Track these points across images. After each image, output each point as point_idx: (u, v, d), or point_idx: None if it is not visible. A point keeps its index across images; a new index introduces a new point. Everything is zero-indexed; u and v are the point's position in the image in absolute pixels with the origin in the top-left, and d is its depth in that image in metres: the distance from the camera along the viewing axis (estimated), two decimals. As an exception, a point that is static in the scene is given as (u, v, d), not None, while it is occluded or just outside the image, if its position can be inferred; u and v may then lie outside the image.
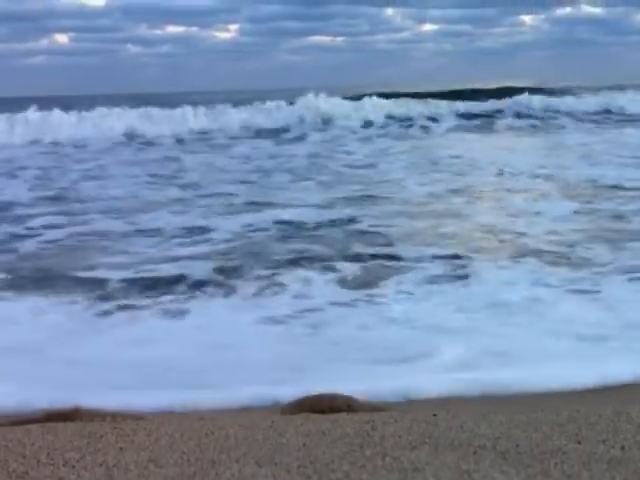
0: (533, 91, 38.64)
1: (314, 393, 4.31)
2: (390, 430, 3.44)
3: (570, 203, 12.27)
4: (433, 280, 8.00)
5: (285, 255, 9.37)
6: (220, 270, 8.66)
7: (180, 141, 27.16)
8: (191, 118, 29.94)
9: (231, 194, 14.80)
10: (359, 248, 9.67)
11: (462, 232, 10.53)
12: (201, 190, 15.44)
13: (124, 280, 8.29)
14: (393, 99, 34.94)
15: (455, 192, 14.15)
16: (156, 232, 11.04)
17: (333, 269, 8.57)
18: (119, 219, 12.15)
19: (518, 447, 3.16)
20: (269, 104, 32.60)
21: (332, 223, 11.34)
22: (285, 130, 29.43)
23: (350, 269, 8.59)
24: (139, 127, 27.89)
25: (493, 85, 43.39)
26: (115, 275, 8.49)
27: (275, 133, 28.75)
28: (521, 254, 9.08)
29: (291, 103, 33.00)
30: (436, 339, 6.13)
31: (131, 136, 27.45)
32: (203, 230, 11.15)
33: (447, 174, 16.64)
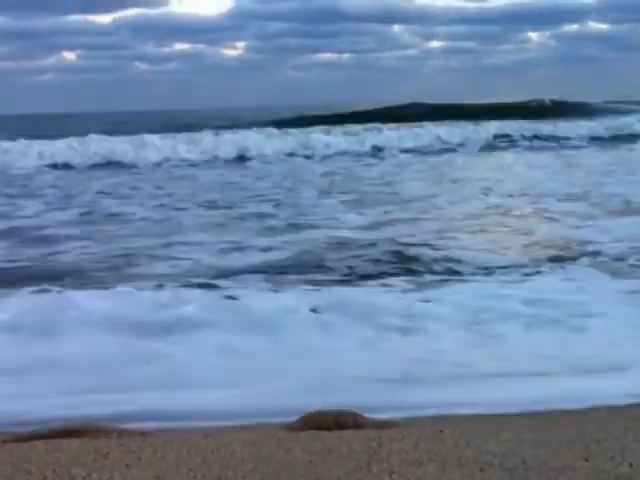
0: (543, 108, 38.52)
1: (319, 409, 4.30)
2: (397, 447, 3.42)
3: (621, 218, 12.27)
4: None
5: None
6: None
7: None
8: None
9: (269, 214, 14.01)
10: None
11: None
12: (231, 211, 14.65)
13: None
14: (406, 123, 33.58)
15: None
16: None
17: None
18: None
19: (525, 464, 3.15)
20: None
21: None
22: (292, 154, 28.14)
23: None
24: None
25: (499, 100, 43.18)
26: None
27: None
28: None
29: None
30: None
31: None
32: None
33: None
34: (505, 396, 5.27)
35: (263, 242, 11.12)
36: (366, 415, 4.25)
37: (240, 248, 10.75)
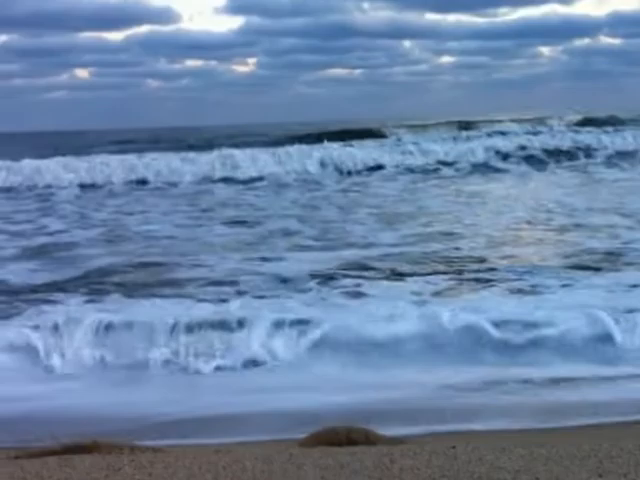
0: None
1: (331, 425, 4.29)
2: (409, 463, 3.40)
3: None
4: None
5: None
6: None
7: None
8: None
9: (297, 232, 13.79)
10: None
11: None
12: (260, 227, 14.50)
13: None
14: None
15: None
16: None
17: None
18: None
19: (538, 481, 3.13)
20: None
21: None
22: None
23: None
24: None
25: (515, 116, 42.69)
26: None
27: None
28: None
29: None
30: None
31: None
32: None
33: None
34: None
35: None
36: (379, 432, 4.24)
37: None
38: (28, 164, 25.86)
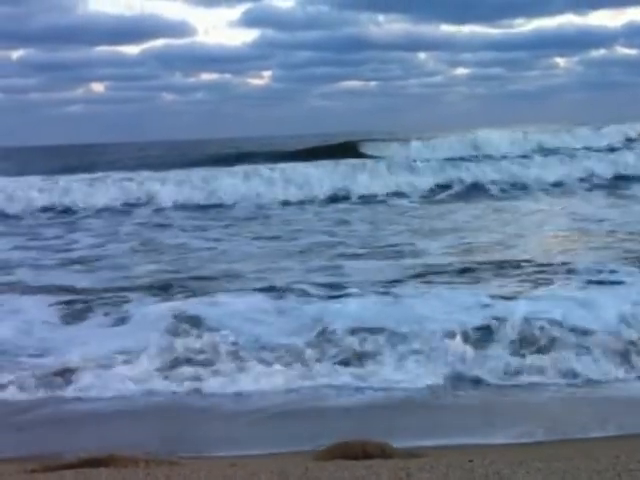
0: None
1: (346, 438, 4.27)
2: (426, 477, 3.38)
3: None
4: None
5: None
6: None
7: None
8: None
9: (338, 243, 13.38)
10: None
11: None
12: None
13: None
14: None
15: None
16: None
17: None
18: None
19: (556, 495, 3.10)
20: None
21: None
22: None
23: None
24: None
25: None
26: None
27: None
28: None
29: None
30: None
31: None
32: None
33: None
34: None
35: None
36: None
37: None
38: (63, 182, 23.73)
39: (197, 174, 24.97)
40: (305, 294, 8.77)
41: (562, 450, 4.54)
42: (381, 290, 8.83)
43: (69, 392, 6.32)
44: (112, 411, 5.91)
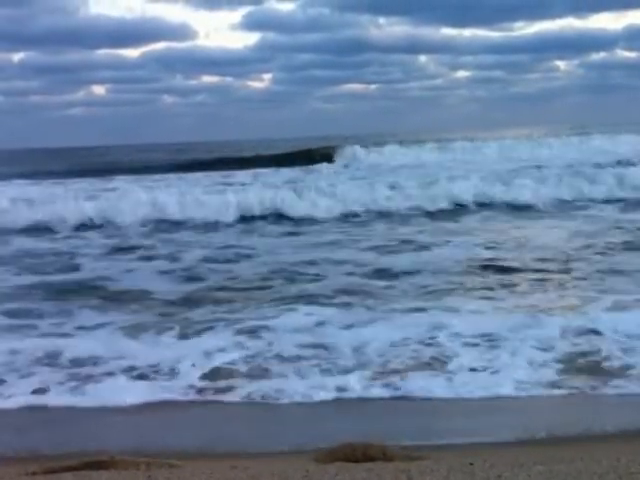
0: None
1: (348, 440, 4.26)
2: None
3: None
4: None
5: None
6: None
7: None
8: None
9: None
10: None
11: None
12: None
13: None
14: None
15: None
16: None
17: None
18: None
19: (557, 497, 3.09)
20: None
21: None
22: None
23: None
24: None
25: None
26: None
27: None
28: None
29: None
30: None
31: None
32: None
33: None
34: None
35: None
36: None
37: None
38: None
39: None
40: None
41: (563, 453, 4.53)
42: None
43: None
44: (111, 413, 5.89)
